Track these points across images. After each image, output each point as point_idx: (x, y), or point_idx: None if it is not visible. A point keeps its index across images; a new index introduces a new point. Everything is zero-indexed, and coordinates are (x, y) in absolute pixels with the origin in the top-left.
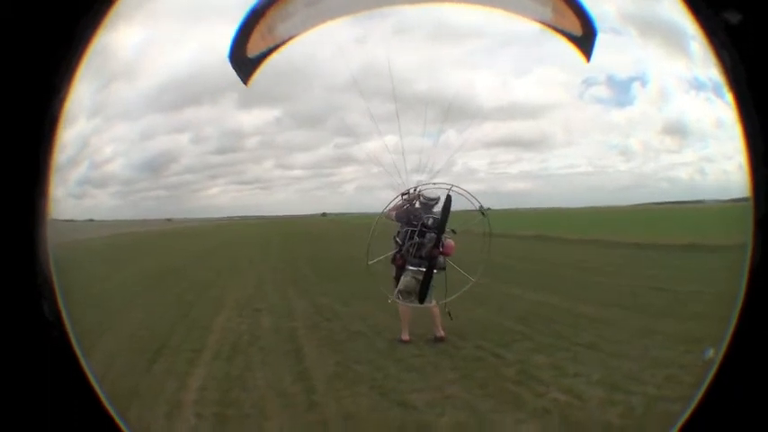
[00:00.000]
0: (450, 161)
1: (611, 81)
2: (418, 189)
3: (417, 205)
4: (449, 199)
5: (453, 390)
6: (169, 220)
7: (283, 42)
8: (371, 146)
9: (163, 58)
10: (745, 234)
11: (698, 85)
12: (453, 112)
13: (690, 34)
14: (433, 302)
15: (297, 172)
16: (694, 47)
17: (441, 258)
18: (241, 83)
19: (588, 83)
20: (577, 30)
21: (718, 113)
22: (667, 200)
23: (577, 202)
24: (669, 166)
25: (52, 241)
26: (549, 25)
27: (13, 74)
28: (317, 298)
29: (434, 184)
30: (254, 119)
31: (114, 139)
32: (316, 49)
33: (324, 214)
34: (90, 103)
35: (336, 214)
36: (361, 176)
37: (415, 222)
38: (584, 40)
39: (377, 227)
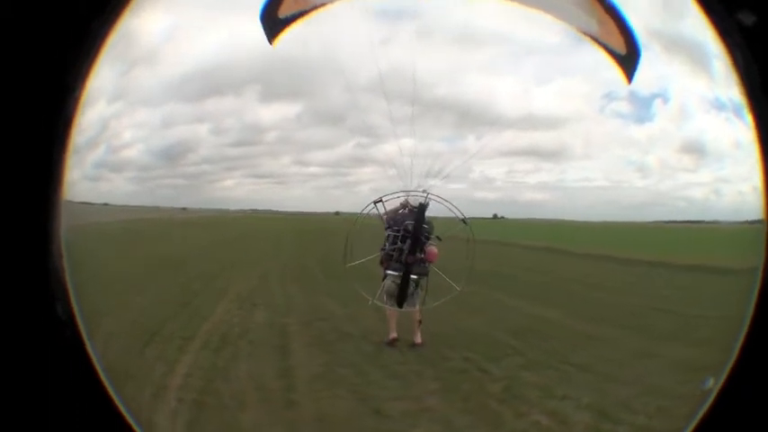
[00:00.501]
0: (467, 167)
1: (633, 96)
2: (385, 198)
3: (407, 211)
4: (421, 206)
5: (432, 401)
6: (184, 209)
7: (314, 8)
8: (389, 148)
9: (188, 46)
10: (755, 258)
11: (718, 105)
12: (473, 118)
13: (713, 53)
14: (417, 307)
15: (313, 169)
16: (717, 66)
17: (425, 264)
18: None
19: (610, 97)
20: (621, 48)
21: (737, 134)
22: (682, 219)
23: (591, 215)
24: (685, 185)
25: (66, 224)
26: (593, 38)
27: (36, 54)
28: (318, 297)
29: (403, 192)
30: (274, 113)
31: (134, 125)
32: (339, 48)
33: (337, 213)
34: (112, 86)
35: (350, 214)
36: (377, 178)
37: (396, 227)
38: (627, 60)
39: (357, 228)
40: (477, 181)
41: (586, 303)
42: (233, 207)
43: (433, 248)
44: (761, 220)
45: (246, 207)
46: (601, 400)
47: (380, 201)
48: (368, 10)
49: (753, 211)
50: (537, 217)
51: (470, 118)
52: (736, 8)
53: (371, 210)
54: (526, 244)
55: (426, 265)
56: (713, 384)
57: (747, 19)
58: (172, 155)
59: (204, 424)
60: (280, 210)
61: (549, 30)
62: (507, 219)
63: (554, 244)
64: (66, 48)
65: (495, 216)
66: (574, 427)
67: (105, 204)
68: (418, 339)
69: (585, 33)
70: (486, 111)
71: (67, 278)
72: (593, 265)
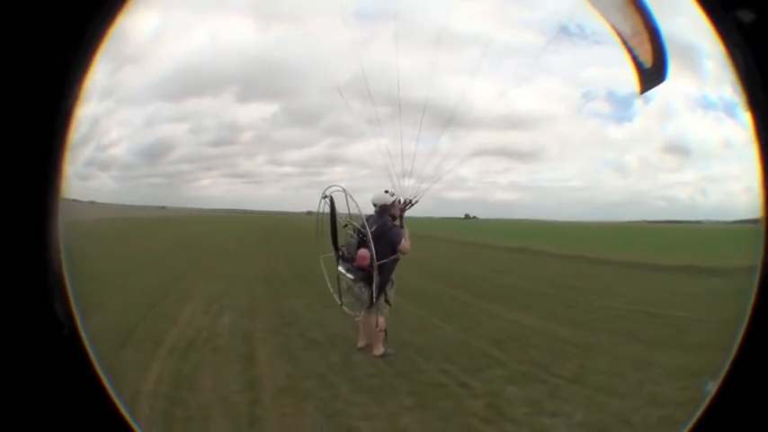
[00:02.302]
0: (440, 167)
1: (612, 96)
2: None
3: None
4: (331, 201)
5: (407, 420)
6: (162, 207)
7: None
8: (362, 148)
9: (174, 46)
10: (751, 257)
11: (706, 105)
12: (448, 118)
13: (705, 52)
14: (377, 315)
15: (287, 168)
16: (708, 66)
17: (363, 269)
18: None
19: (588, 97)
20: (647, 61)
21: (727, 133)
22: (664, 219)
23: (567, 215)
24: (667, 185)
25: (63, 222)
26: (623, 41)
27: (34, 53)
28: (286, 299)
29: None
30: (251, 113)
31: (121, 123)
32: (317, 49)
33: (309, 212)
34: (104, 84)
35: (322, 213)
36: (347, 177)
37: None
38: (649, 75)
39: (320, 226)
40: (450, 181)
41: (569, 308)
42: (209, 206)
43: (363, 251)
44: (757, 219)
45: (222, 206)
46: (597, 415)
47: (326, 196)
48: (346, 11)
49: (743, 210)
50: (510, 217)
51: (445, 119)
52: (735, 6)
53: (324, 206)
54: (499, 245)
55: (366, 270)
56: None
57: (746, 17)
58: (153, 153)
59: None
60: (255, 209)
61: (529, 31)
62: (479, 219)
63: (529, 245)
64: (65, 47)
65: (466, 216)
66: None
67: (92, 203)
68: (377, 351)
69: (618, 35)
70: (461, 112)
71: (65, 277)
72: (573, 266)
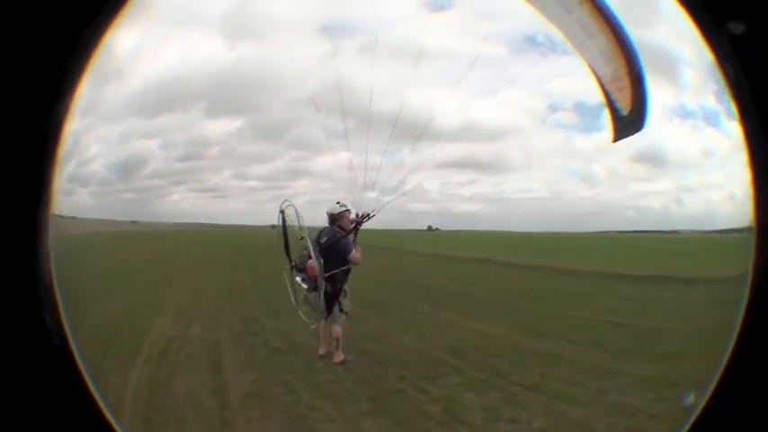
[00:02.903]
0: (403, 180)
1: (580, 107)
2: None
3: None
4: (282, 216)
5: (367, 424)
6: (134, 222)
7: None
8: (326, 161)
9: (148, 64)
10: (737, 266)
11: (684, 114)
12: (411, 131)
13: (685, 61)
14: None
15: (252, 183)
16: (687, 74)
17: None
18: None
19: (553, 108)
20: (625, 109)
21: (706, 142)
22: (635, 228)
23: (533, 226)
24: (638, 195)
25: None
26: (601, 85)
27: (26, 68)
28: (249, 311)
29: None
30: (218, 128)
31: (99, 139)
32: (283, 62)
33: (273, 226)
34: (86, 100)
35: (281, 227)
36: (311, 191)
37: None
38: (625, 124)
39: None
40: (413, 193)
41: (530, 317)
42: (177, 220)
43: (311, 262)
44: (742, 228)
45: (190, 220)
46: (556, 423)
47: (282, 211)
48: (312, 27)
49: (726, 219)
50: (473, 228)
51: (409, 131)
52: (726, 18)
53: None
54: (461, 256)
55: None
56: (695, 400)
57: (737, 29)
58: (127, 169)
59: None
60: (222, 223)
61: (493, 44)
62: (442, 230)
63: (492, 255)
64: (57, 61)
65: (429, 228)
66: None
67: (74, 218)
68: (336, 357)
69: (597, 78)
70: (424, 124)
71: (56, 289)
72: (536, 276)
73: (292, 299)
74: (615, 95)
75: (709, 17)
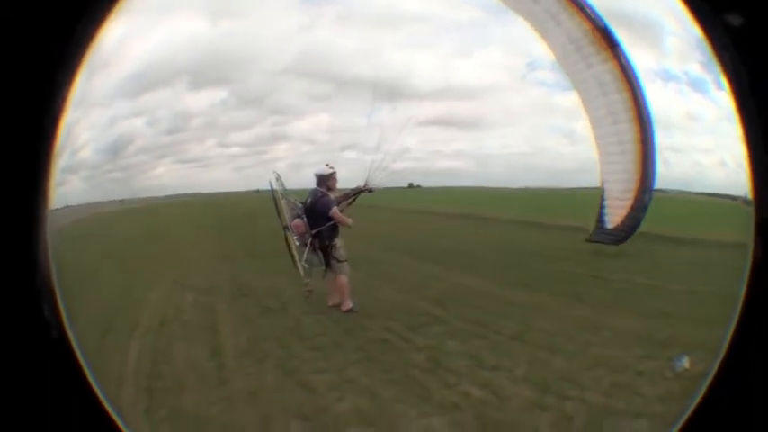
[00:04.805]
0: (382, 138)
1: (558, 65)
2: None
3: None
4: (270, 184)
5: (354, 373)
6: (121, 201)
7: None
8: (305, 125)
9: (134, 49)
10: (735, 235)
11: (667, 77)
12: (390, 92)
13: (669, 30)
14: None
15: (235, 149)
16: (671, 42)
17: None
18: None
19: (532, 66)
20: (613, 223)
21: (691, 107)
22: None
23: (514, 182)
24: None
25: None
26: (602, 198)
27: (21, 64)
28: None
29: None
30: (201, 100)
31: (89, 127)
32: (263, 34)
33: (257, 191)
34: (79, 93)
35: (268, 191)
36: (291, 155)
37: None
38: (606, 233)
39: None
40: (392, 151)
41: (513, 270)
42: (163, 194)
43: (296, 221)
44: (736, 197)
45: (176, 192)
46: (538, 371)
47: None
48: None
49: (717, 184)
50: (454, 185)
51: (387, 92)
52: (724, 10)
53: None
54: (441, 211)
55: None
56: (688, 364)
57: (735, 20)
58: (115, 149)
59: None
60: (207, 192)
61: (471, 5)
62: (423, 188)
63: (472, 211)
64: (52, 58)
65: (410, 185)
66: (511, 401)
67: (67, 207)
68: (343, 307)
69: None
70: (403, 84)
71: (54, 282)
72: (518, 231)
73: (291, 257)
74: (609, 210)
75: (708, 9)
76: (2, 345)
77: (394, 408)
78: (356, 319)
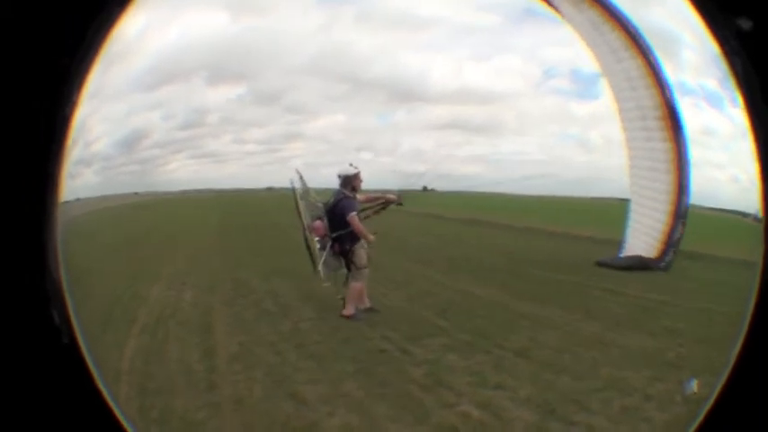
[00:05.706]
0: (396, 141)
1: (576, 74)
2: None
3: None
4: (291, 183)
5: (349, 386)
6: (136, 194)
7: None
8: (320, 124)
9: (153, 42)
10: (745, 253)
11: (684, 91)
12: (405, 94)
13: (686, 43)
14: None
15: (250, 146)
16: (687, 55)
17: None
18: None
19: (549, 74)
20: None
21: (707, 121)
22: None
23: (528, 189)
24: None
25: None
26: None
27: (34, 57)
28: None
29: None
30: (218, 95)
31: (103, 119)
32: (282, 30)
33: (270, 188)
34: (95, 85)
35: (281, 189)
36: (306, 153)
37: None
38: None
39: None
40: (405, 153)
41: (522, 281)
42: (177, 188)
43: (317, 223)
44: (748, 214)
45: (189, 187)
46: (543, 392)
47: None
48: None
49: (728, 200)
50: (467, 189)
51: (402, 94)
52: (735, 14)
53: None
54: (451, 216)
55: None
56: (698, 388)
57: (745, 24)
58: (129, 142)
59: None
60: (221, 188)
61: (490, 11)
62: (437, 191)
63: (483, 216)
64: (66, 52)
65: (424, 188)
66: (513, 425)
67: (78, 199)
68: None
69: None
70: (418, 87)
71: (64, 285)
72: (530, 240)
73: (310, 258)
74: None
75: (718, 13)
76: (8, 345)
77: (388, 428)
78: (356, 326)
